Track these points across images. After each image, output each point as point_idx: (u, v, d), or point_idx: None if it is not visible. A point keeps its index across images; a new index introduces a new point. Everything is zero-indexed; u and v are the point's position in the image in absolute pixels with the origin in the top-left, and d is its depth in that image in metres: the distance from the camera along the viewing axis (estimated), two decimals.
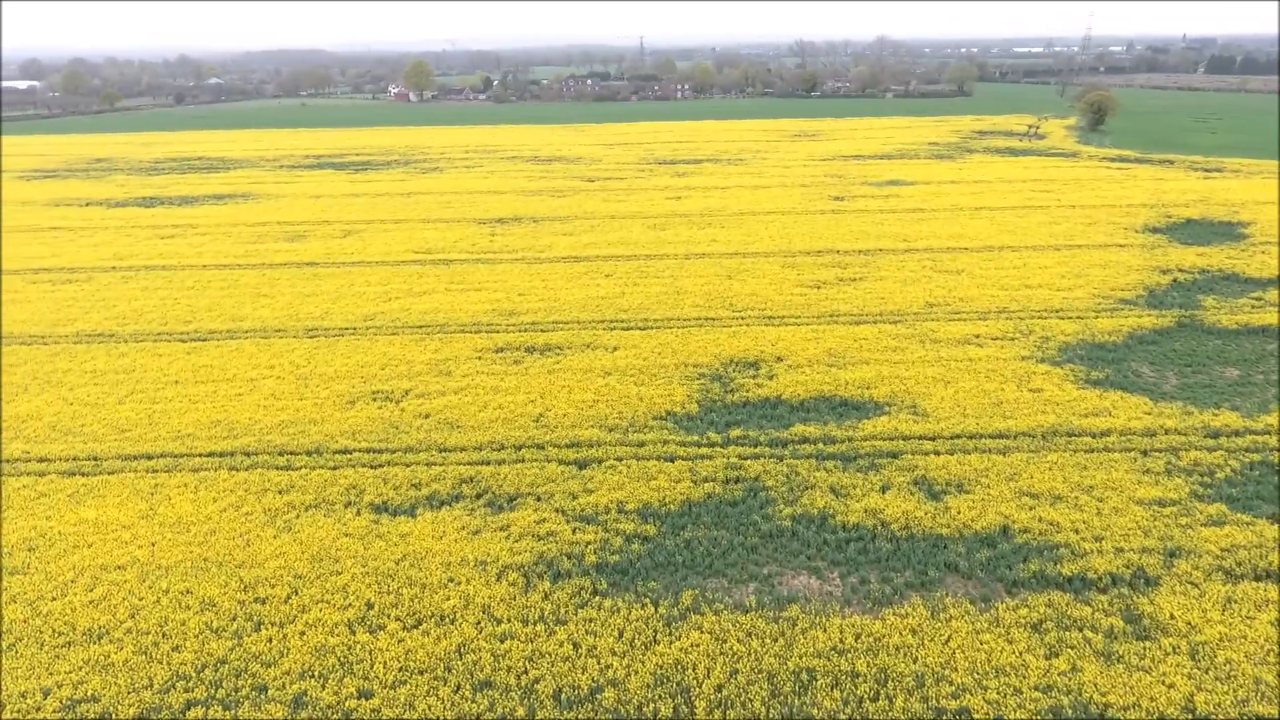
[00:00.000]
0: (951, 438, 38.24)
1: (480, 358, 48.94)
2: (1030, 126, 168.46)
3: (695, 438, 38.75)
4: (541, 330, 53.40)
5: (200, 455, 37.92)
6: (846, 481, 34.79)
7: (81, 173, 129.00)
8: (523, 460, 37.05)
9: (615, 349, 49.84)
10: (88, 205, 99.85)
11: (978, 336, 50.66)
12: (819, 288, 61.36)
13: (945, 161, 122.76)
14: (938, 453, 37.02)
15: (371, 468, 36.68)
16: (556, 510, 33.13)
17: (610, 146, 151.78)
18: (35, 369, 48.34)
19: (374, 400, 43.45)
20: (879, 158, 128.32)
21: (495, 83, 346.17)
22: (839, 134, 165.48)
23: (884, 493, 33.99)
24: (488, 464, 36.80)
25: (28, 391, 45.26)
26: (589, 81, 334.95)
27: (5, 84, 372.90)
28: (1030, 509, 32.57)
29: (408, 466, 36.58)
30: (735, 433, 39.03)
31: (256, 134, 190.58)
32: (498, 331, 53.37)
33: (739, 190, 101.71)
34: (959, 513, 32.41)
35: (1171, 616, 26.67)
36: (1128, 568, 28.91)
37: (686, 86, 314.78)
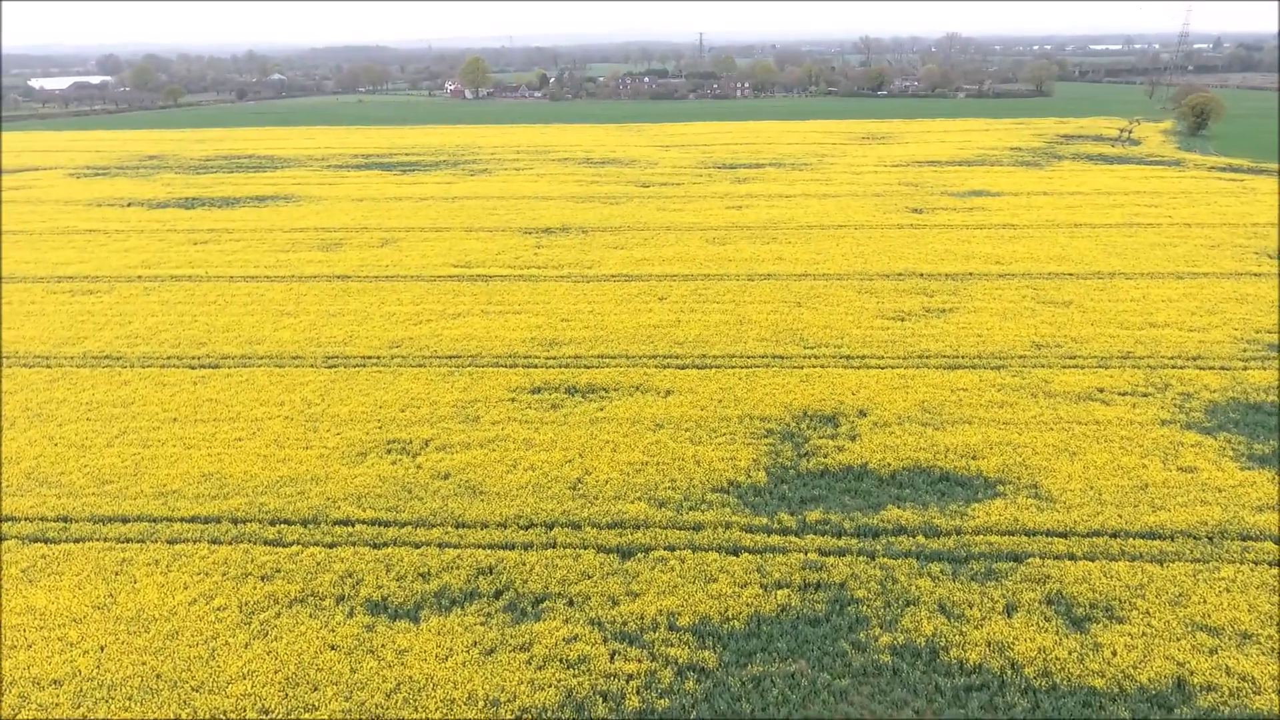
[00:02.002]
0: (1088, 535, 30.48)
1: (514, 400, 42.71)
2: (1122, 130, 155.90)
3: (764, 520, 31.78)
4: (585, 366, 46.95)
5: (181, 520, 32.44)
6: (959, 596, 27.42)
7: (131, 170, 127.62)
8: (554, 544, 30.58)
9: (668, 393, 43.08)
10: (129, 205, 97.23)
11: (1101, 391, 42.43)
12: (903, 320, 53.59)
13: (1032, 169, 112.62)
14: (1073, 557, 29.35)
15: (374, 546, 30.67)
16: (591, 622, 26.56)
17: (666, 148, 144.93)
18: (29, 398, 43.84)
19: (388, 453, 37.53)
20: (957, 164, 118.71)
21: (551, 80, 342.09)
22: (910, 137, 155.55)
23: (1010, 616, 26.54)
24: (512, 548, 30.43)
25: (14, 427, 40.64)
26: (646, 79, 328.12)
27: (79, 79, 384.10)
28: (1211, 653, 24.78)
29: (417, 548, 30.45)
30: (813, 515, 31.92)
31: (309, 131, 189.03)
32: (535, 366, 47.10)
33: (805, 199, 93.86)
34: (1114, 653, 24.80)
35: None
36: None
37: (746, 85, 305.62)
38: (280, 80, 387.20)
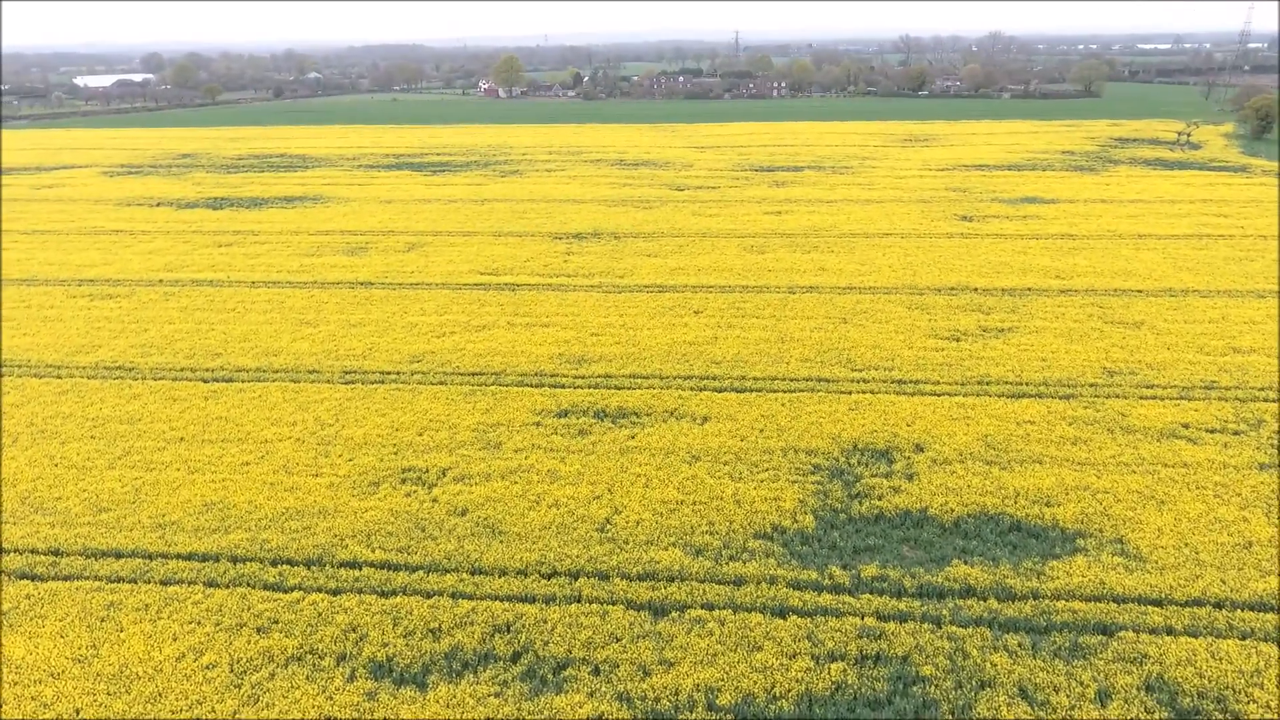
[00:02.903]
0: (1188, 604, 26.68)
1: (539, 424, 39.76)
2: (1180, 134, 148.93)
3: (813, 574, 28.42)
4: (616, 387, 43.86)
5: (178, 557, 29.98)
6: (1042, 677, 23.83)
7: (164, 169, 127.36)
8: (579, 597, 27.53)
9: (705, 420, 39.82)
10: (158, 205, 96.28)
11: (1186, 427, 38.31)
12: (958, 340, 49.71)
13: (1087, 175, 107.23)
14: (1172, 631, 25.59)
15: (382, 594, 27.88)
16: (619, 697, 23.44)
17: (701, 150, 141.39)
18: (35, 412, 41.91)
19: (403, 482, 34.79)
20: (1006, 168, 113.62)
21: (584, 79, 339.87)
22: (955, 139, 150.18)
23: (1104, 705, 22.92)
24: (532, 601, 27.44)
25: (16, 444, 38.65)
26: (680, 78, 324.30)
27: (123, 76, 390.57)
28: None
29: (428, 597, 27.59)
30: (869, 570, 28.49)
31: (342, 130, 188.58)
32: (563, 386, 44.13)
33: (847, 205, 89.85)
34: None
35: None
36: None
37: (783, 84, 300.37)
38: (317, 79, 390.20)
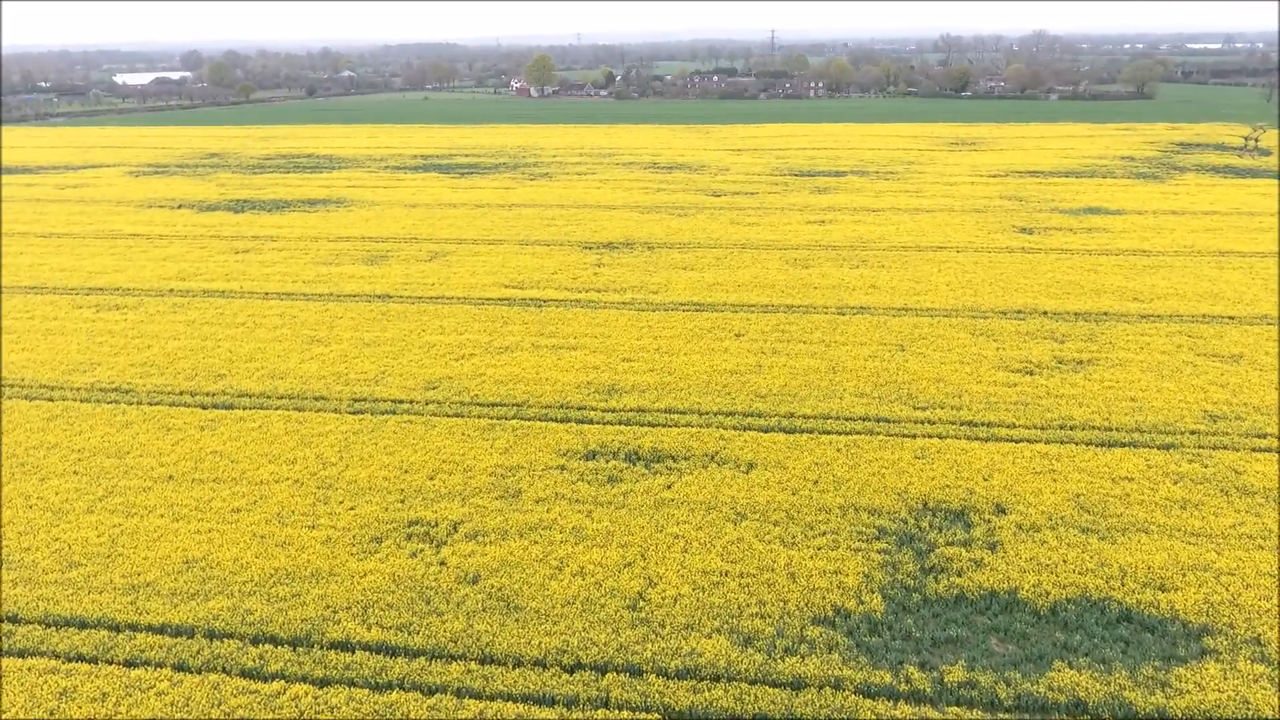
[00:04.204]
0: None
1: (563, 467, 35.48)
2: (1247, 139, 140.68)
3: (885, 675, 23.76)
4: (649, 424, 39.43)
5: (148, 630, 26.13)
6: None
7: (190, 169, 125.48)
8: (606, 700, 23.16)
9: (750, 467, 35.24)
10: (179, 208, 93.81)
11: None
12: (1031, 373, 44.53)
13: (1152, 183, 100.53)
14: None
15: (375, 688, 23.75)
16: None
17: (738, 152, 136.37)
18: (20, 441, 38.57)
19: (409, 538, 30.70)
20: (1063, 175, 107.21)
21: (617, 78, 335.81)
22: (1005, 142, 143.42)
23: None
24: (551, 703, 23.12)
25: None
26: (715, 78, 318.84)
27: (162, 74, 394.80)
28: None
29: (429, 695, 23.40)
30: (954, 673, 23.74)
31: (371, 130, 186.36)
32: (591, 421, 39.79)
33: (895, 214, 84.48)
34: None
35: None
36: None
37: (820, 84, 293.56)
38: (350, 77, 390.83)
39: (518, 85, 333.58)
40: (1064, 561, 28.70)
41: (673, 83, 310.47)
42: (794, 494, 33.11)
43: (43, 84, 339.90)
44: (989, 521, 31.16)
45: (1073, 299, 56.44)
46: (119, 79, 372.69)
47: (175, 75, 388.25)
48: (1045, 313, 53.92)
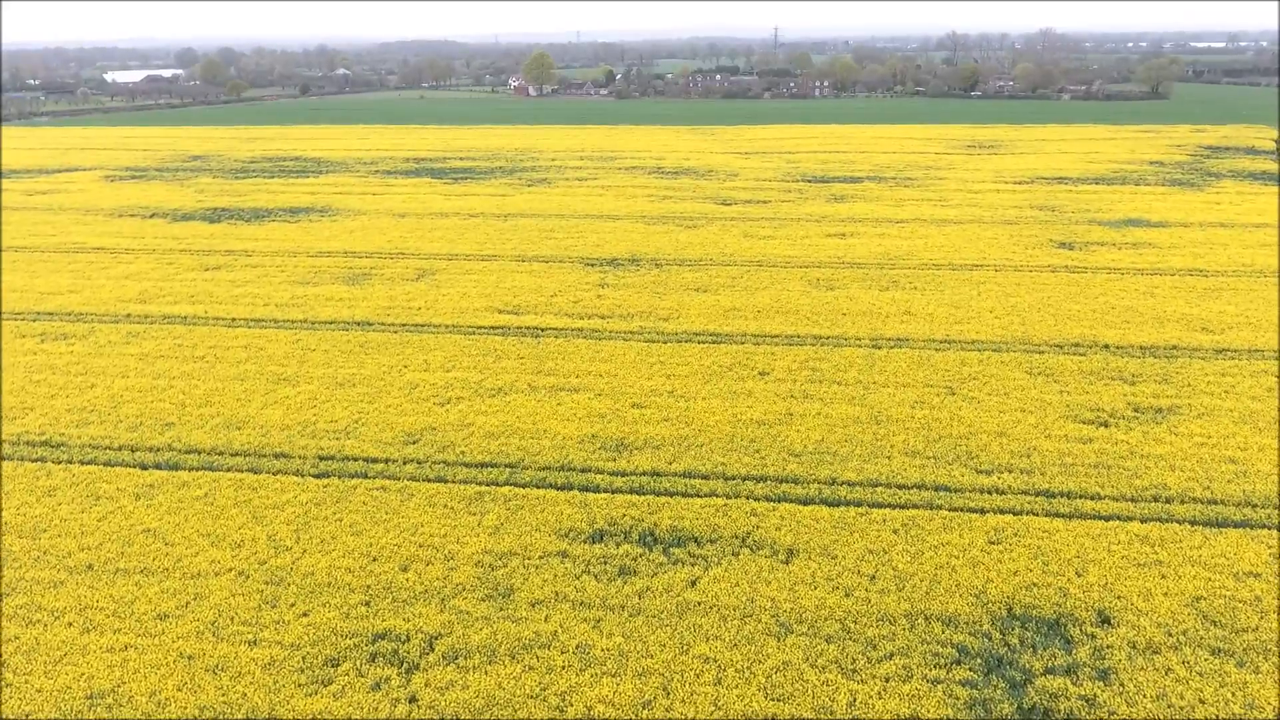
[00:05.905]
0: None
1: (564, 554, 29.40)
2: (1279, 141, 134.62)
3: None
4: (667, 491, 33.35)
5: None
6: None
7: (169, 173, 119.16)
8: None
9: (791, 555, 29.17)
10: (151, 217, 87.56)
11: None
12: (1106, 424, 38.45)
13: (1190, 191, 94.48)
14: None
15: None
16: None
17: (746, 155, 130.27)
18: None
19: (372, 661, 24.60)
20: (1093, 181, 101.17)
21: (618, 77, 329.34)
22: (1024, 145, 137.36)
23: None
24: None
25: None
26: (717, 77, 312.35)
27: (154, 72, 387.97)
28: None
29: None
30: None
31: (362, 130, 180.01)
32: (598, 488, 33.69)
33: (921, 225, 78.42)
34: None
35: None
36: None
37: (826, 83, 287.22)
38: (345, 75, 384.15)
39: (516, 84, 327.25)
40: (1194, 696, 22.67)
41: (674, 81, 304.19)
42: (847, 595, 27.04)
43: (31, 81, 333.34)
44: (1093, 637, 25.07)
45: (1134, 329, 50.39)
46: (109, 77, 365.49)
47: (168, 73, 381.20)
48: (1106, 346, 47.85)
